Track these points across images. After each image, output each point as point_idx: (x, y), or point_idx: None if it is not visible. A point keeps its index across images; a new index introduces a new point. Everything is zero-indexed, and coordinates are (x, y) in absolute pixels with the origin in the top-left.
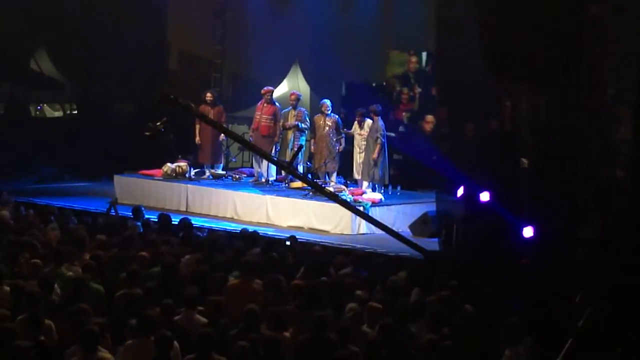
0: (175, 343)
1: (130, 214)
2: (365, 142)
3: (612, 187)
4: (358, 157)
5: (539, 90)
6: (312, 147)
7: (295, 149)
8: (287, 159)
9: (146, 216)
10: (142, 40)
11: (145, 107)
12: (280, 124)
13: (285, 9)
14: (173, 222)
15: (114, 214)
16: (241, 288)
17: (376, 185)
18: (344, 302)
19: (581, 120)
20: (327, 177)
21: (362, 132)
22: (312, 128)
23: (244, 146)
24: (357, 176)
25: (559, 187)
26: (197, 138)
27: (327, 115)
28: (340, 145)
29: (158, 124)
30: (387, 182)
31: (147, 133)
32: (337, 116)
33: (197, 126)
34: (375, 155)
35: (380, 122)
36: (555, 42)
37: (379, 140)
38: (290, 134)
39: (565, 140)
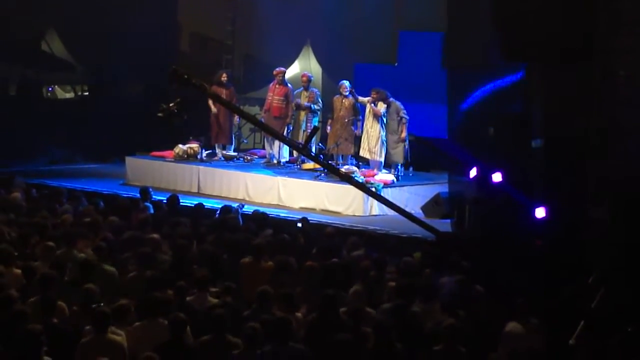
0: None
1: (138, 194)
2: (379, 122)
3: (623, 166)
4: (367, 136)
5: (551, 71)
6: (328, 128)
7: (310, 131)
8: (300, 140)
9: (157, 198)
10: (153, 21)
11: (156, 89)
12: (293, 104)
13: None
14: (182, 204)
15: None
16: (252, 268)
17: (392, 165)
18: (355, 283)
19: (593, 102)
20: (340, 158)
21: (376, 110)
22: (331, 109)
23: (258, 127)
24: (364, 154)
25: (571, 168)
26: (214, 108)
27: (345, 96)
28: (358, 128)
29: (171, 105)
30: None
31: (160, 114)
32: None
33: (211, 105)
34: (403, 135)
35: (398, 103)
36: (569, 23)
37: (403, 120)
38: (302, 116)
39: (577, 121)
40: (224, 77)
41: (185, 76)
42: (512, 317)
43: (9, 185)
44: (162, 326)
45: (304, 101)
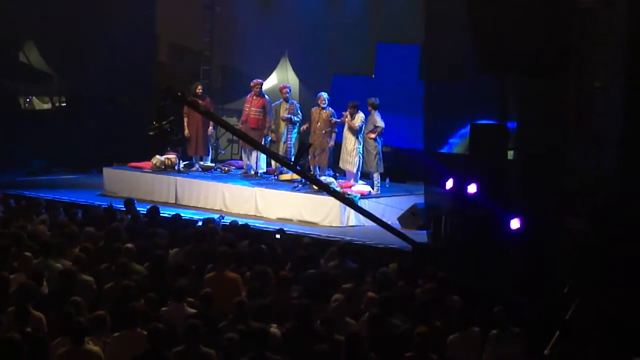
0: None
1: (122, 206)
2: (353, 135)
3: (599, 178)
4: (346, 148)
5: (527, 83)
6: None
7: (290, 142)
8: (281, 152)
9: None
10: (131, 32)
11: (134, 100)
12: (281, 118)
13: (274, 1)
14: (162, 214)
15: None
16: (217, 280)
17: (369, 175)
18: (333, 293)
19: (569, 113)
20: (317, 169)
21: (352, 123)
22: (309, 120)
23: (246, 142)
24: (343, 166)
25: (546, 179)
26: (186, 131)
27: (323, 108)
28: (332, 139)
29: (164, 123)
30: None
31: (151, 133)
32: (332, 109)
33: (185, 119)
34: (372, 136)
35: (377, 115)
36: (544, 34)
37: (378, 129)
38: (283, 127)
39: (553, 132)
40: (199, 89)
41: (179, 93)
42: (491, 326)
43: None
44: (140, 337)
45: (283, 113)
